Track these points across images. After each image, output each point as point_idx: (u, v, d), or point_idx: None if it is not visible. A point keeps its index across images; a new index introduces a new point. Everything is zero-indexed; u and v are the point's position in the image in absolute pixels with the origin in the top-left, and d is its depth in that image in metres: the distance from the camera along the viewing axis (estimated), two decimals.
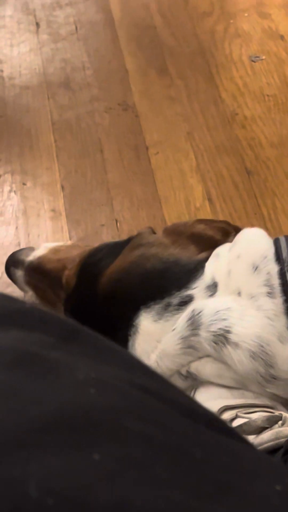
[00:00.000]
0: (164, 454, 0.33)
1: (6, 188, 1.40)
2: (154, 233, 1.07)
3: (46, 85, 1.58)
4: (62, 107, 1.53)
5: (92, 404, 0.35)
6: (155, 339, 0.93)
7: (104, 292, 0.98)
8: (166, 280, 0.94)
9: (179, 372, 0.93)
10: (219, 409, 0.90)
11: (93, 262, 1.03)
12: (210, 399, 0.92)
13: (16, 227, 1.34)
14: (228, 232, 1.04)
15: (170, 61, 1.60)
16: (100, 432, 0.33)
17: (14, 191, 1.39)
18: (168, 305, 0.92)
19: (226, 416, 0.89)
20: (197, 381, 0.93)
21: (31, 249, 1.17)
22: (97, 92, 1.56)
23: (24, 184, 1.41)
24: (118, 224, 1.34)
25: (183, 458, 0.33)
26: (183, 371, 0.92)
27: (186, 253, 0.98)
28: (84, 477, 0.30)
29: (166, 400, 0.38)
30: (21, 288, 1.16)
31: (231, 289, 0.90)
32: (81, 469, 0.30)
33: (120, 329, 0.95)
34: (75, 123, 1.50)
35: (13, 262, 1.16)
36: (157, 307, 0.93)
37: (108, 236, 1.30)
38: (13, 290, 1.21)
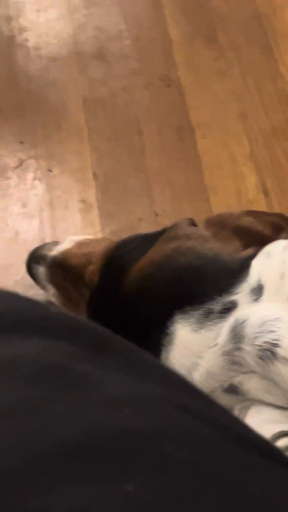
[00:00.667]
0: (213, 487, 0.32)
1: (30, 175, 1.40)
2: (195, 225, 1.06)
3: (77, 57, 1.58)
4: (95, 82, 1.53)
5: (126, 426, 0.34)
6: (195, 353, 0.92)
7: (131, 289, 0.97)
8: (205, 280, 0.93)
9: (221, 386, 0.92)
10: (273, 435, 0.89)
11: (120, 256, 1.03)
12: (262, 423, 0.91)
13: (41, 221, 1.34)
14: (281, 227, 1.03)
15: (220, 29, 1.59)
16: (136, 459, 0.32)
17: (39, 179, 1.40)
18: (209, 312, 0.91)
19: (281, 443, 0.88)
20: (242, 397, 0.92)
21: (55, 243, 1.17)
22: (136, 65, 1.56)
23: (50, 170, 1.41)
24: (157, 217, 1.33)
25: (235, 493, 0.32)
26: (225, 385, 0.91)
27: (228, 249, 0.97)
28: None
29: (213, 424, 0.37)
30: (42, 287, 1.17)
31: (284, 295, 0.89)
32: (112, 503, 0.30)
33: (150, 336, 0.94)
34: (109, 100, 1.50)
35: (34, 258, 1.16)
36: (196, 314, 0.92)
37: (145, 231, 1.29)
38: (36, 293, 1.21)
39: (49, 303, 1.18)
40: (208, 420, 0.38)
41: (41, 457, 0.32)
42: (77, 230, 1.33)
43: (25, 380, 0.36)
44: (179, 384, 0.43)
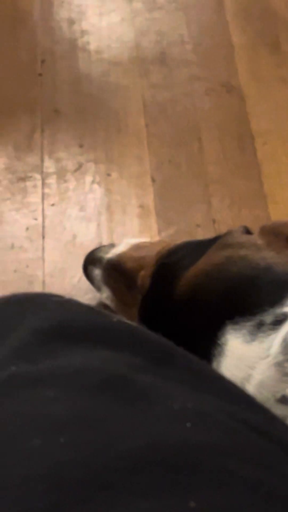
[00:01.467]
0: (276, 507, 0.32)
1: (88, 179, 1.41)
2: (249, 233, 1.05)
3: (139, 61, 1.58)
4: (156, 87, 1.54)
5: (189, 440, 0.34)
6: (248, 364, 0.91)
7: (182, 297, 0.97)
8: (256, 291, 0.92)
9: (273, 397, 0.91)
10: None
11: (171, 263, 1.02)
12: None
13: (98, 224, 1.35)
14: None
15: (283, 36, 1.58)
16: (198, 475, 0.32)
17: (98, 183, 1.40)
18: (261, 324, 0.90)
19: None
20: None
21: (112, 245, 1.18)
22: (197, 71, 1.55)
23: (108, 175, 1.42)
24: (215, 224, 1.33)
25: None
26: (278, 396, 0.91)
27: (281, 259, 0.96)
28: None
29: (277, 440, 0.37)
30: (98, 289, 1.18)
31: None
32: None
33: (200, 346, 0.93)
34: (170, 106, 1.50)
35: (91, 260, 1.17)
36: (248, 325, 0.91)
37: (203, 238, 1.29)
38: (93, 297, 1.22)
39: (104, 306, 1.19)
40: (269, 435, 0.38)
41: (104, 470, 0.32)
42: (134, 234, 1.33)
43: (90, 391, 0.36)
44: (240, 398, 0.43)
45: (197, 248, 1.02)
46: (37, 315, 0.43)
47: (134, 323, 0.45)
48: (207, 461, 0.33)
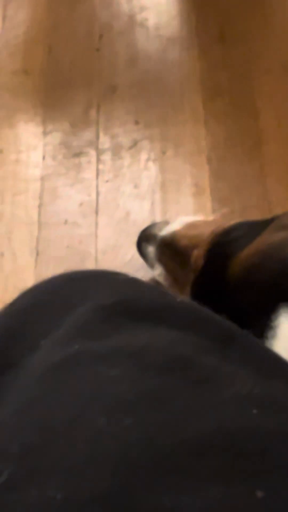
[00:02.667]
0: None
1: (143, 156, 1.40)
2: None
3: (198, 38, 1.56)
4: (214, 65, 1.52)
5: (256, 426, 0.33)
6: None
7: (236, 277, 0.96)
8: None
9: None
10: None
11: (225, 242, 1.02)
12: None
13: (152, 203, 1.34)
14: None
15: None
16: (266, 462, 0.31)
17: (152, 161, 1.39)
18: None
19: None
20: None
21: (166, 223, 1.17)
22: (257, 49, 1.53)
23: (164, 152, 1.40)
24: (270, 206, 1.31)
25: None
26: None
27: None
28: None
29: None
30: (151, 266, 1.17)
31: None
32: (241, 507, 0.29)
33: (254, 327, 0.92)
34: (228, 84, 1.48)
35: (145, 237, 1.17)
36: None
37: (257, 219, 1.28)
38: (144, 274, 1.21)
39: (156, 282, 1.18)
40: None
41: (171, 453, 0.31)
42: (188, 213, 1.32)
43: (155, 371, 0.35)
44: None
45: (253, 228, 1.01)
46: (101, 292, 0.42)
47: (198, 304, 0.44)
48: (275, 448, 0.32)
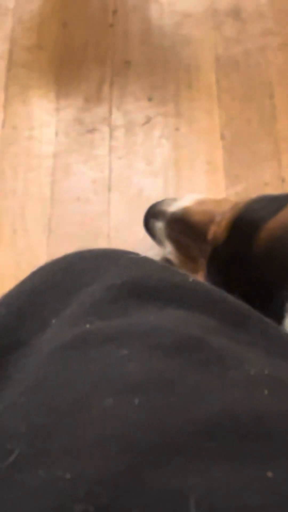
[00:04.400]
0: None
1: (157, 132, 1.39)
2: None
3: (212, 13, 1.55)
4: (229, 40, 1.50)
5: (266, 408, 0.33)
6: None
7: (260, 250, 0.96)
8: None
9: None
10: None
11: (249, 215, 1.02)
12: None
13: (165, 180, 1.33)
14: None
15: None
16: (276, 443, 0.31)
17: (166, 137, 1.39)
18: None
19: None
20: None
21: (174, 199, 1.17)
22: (272, 25, 1.51)
23: (177, 129, 1.40)
24: (284, 183, 1.31)
25: None
26: None
27: None
28: (253, 498, 0.29)
29: None
30: (159, 243, 1.17)
31: None
32: (250, 488, 0.29)
33: (274, 301, 0.92)
34: (242, 60, 1.47)
35: (153, 213, 1.17)
36: None
37: None
38: (157, 252, 1.21)
39: (167, 260, 1.18)
40: None
41: (178, 434, 0.31)
42: (201, 190, 1.31)
43: (164, 352, 0.35)
44: None
45: (275, 202, 1.01)
46: (111, 271, 0.42)
47: (209, 284, 0.44)
48: (285, 430, 0.32)
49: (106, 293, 0.40)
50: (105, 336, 0.36)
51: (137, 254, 0.45)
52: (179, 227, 1.13)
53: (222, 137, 1.37)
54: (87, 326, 0.37)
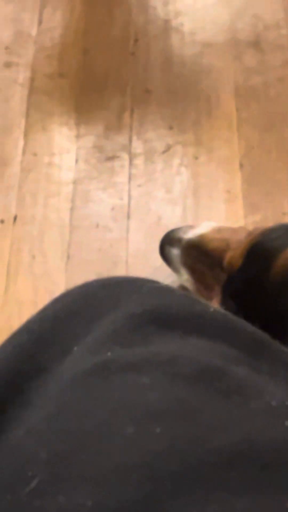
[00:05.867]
0: None
1: (176, 161, 1.40)
2: None
3: (233, 44, 1.56)
4: (249, 71, 1.51)
5: (287, 439, 0.33)
6: None
7: (277, 278, 0.96)
8: None
9: None
10: None
11: (266, 243, 1.02)
12: None
13: (184, 208, 1.34)
14: None
15: None
16: None
17: (185, 166, 1.39)
18: None
19: None
20: None
21: (190, 227, 1.18)
22: None
23: (196, 158, 1.40)
24: None
25: None
26: None
27: None
28: None
29: None
30: (175, 270, 1.18)
31: None
32: None
33: None
34: (262, 91, 1.48)
35: (169, 240, 1.18)
36: None
37: None
38: (174, 280, 1.21)
39: (183, 287, 1.18)
40: None
41: (199, 464, 0.31)
42: (220, 219, 1.32)
43: (185, 381, 0.35)
44: None
45: None
46: (132, 299, 0.42)
47: (230, 313, 0.44)
48: None
49: (128, 321, 0.40)
50: (126, 364, 0.37)
51: (158, 283, 0.45)
52: (195, 254, 1.13)
53: (241, 166, 1.38)
54: (109, 354, 0.38)
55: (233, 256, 1.05)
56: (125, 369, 0.36)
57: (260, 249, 1.01)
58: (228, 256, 1.06)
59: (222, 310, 0.44)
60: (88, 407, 0.34)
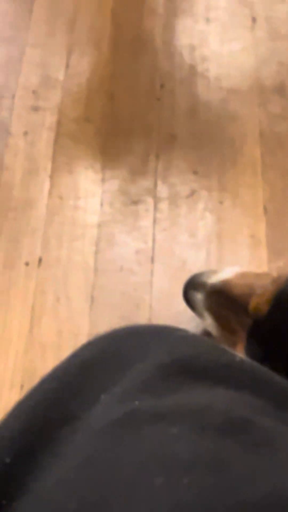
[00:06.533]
0: None
1: (201, 205, 1.41)
2: None
3: (258, 90, 1.58)
4: (274, 117, 1.53)
5: None
6: None
7: None
8: None
9: None
10: None
11: None
12: None
13: (208, 252, 1.35)
14: None
15: None
16: None
17: (209, 210, 1.40)
18: None
19: None
20: None
21: (214, 271, 1.18)
22: None
23: (221, 202, 1.41)
24: None
25: None
26: None
27: None
28: None
29: None
30: (199, 314, 1.18)
31: None
32: None
33: None
34: (287, 137, 1.49)
35: (193, 285, 1.18)
36: None
37: None
38: (197, 324, 1.21)
39: (207, 332, 1.18)
40: None
41: None
42: (244, 264, 1.32)
43: (213, 432, 0.36)
44: None
45: None
46: (161, 349, 0.43)
47: (256, 363, 0.44)
48: None
49: (156, 371, 0.41)
50: (155, 414, 0.37)
51: (185, 331, 0.46)
52: (219, 299, 1.13)
53: (266, 211, 1.39)
54: (137, 403, 0.38)
55: (259, 302, 1.05)
56: (154, 420, 0.37)
57: (286, 295, 1.02)
58: (253, 301, 1.07)
59: (249, 360, 0.44)
60: (117, 458, 0.35)
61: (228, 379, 0.41)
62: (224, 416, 0.37)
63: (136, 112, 1.57)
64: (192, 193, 1.43)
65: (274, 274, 1.16)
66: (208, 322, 1.16)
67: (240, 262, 1.33)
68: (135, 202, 1.42)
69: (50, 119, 1.56)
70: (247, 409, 0.39)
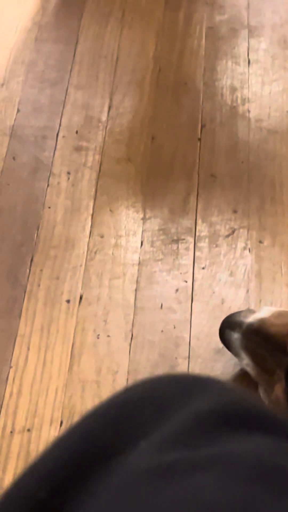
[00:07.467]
0: None
1: (240, 244, 1.41)
2: None
3: None
4: None
5: None
6: None
7: None
8: None
9: None
10: None
11: None
12: None
13: (247, 291, 1.35)
14: None
15: None
16: None
17: (249, 249, 1.41)
18: None
19: None
20: None
21: (251, 311, 1.18)
22: None
23: (260, 242, 1.42)
24: None
25: None
26: None
27: None
28: None
29: None
30: (236, 354, 1.18)
31: None
32: None
33: None
34: None
35: (229, 324, 1.18)
36: None
37: None
38: (235, 363, 1.21)
39: (244, 373, 1.18)
40: None
41: None
42: (283, 303, 1.32)
43: (248, 480, 0.36)
44: None
45: None
46: (200, 399, 0.43)
47: (282, 410, 0.44)
48: None
49: (195, 421, 0.41)
50: (192, 465, 0.37)
51: (224, 382, 0.46)
52: (256, 339, 1.13)
53: None
54: (175, 454, 0.38)
55: None
56: (191, 471, 0.37)
57: None
58: None
59: (275, 409, 0.44)
60: (150, 507, 0.35)
61: (264, 428, 0.41)
62: (259, 464, 0.37)
63: (177, 152, 1.59)
64: (232, 232, 1.43)
65: None
66: (245, 362, 1.16)
67: (279, 301, 1.33)
68: (175, 241, 1.43)
69: (92, 158, 1.58)
70: (283, 458, 0.39)
